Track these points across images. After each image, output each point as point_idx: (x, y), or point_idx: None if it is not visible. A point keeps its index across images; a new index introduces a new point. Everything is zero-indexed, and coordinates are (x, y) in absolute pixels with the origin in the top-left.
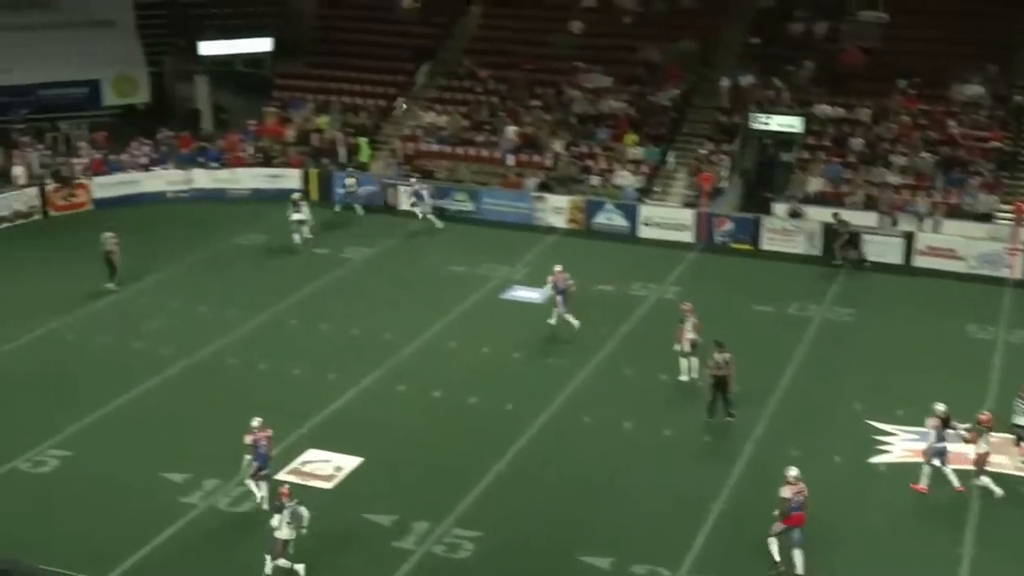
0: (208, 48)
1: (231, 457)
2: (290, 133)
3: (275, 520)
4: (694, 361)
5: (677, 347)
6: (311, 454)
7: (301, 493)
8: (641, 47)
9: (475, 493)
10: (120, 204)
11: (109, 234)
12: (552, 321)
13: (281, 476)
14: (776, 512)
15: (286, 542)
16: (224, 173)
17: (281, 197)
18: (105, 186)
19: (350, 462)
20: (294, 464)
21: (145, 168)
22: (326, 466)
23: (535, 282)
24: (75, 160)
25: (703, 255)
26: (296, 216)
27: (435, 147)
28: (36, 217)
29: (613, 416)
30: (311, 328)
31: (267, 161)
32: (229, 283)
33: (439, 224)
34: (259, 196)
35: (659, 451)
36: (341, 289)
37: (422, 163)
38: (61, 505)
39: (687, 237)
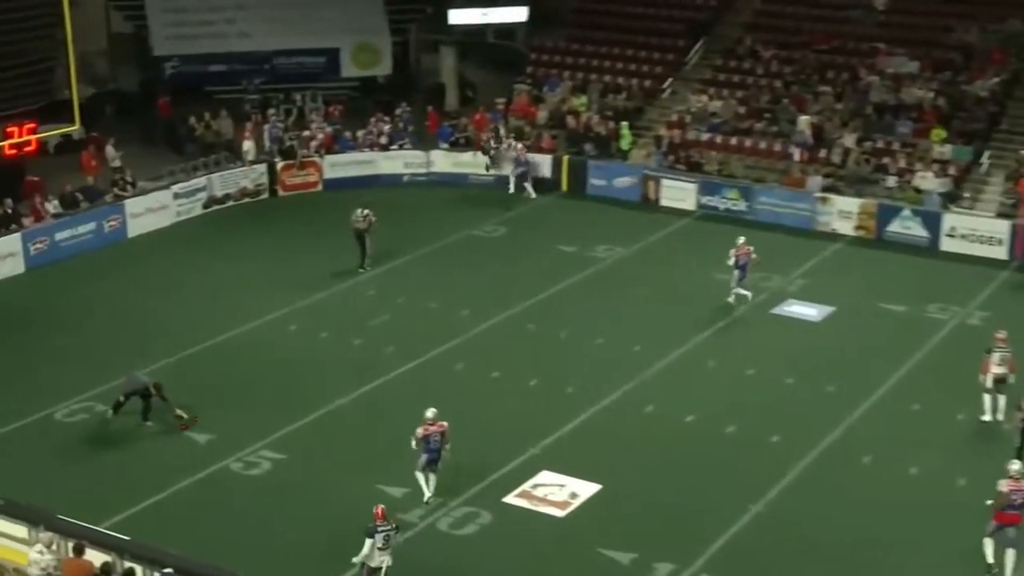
0: (458, 16)
1: (461, 475)
2: (542, 114)
3: (366, 547)
4: (1001, 400)
5: (981, 378)
6: (544, 476)
7: (531, 519)
8: (957, 27)
9: (727, 536)
10: (352, 185)
11: (363, 210)
12: (731, 299)
13: (510, 499)
14: (988, 503)
15: (376, 570)
16: (466, 156)
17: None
18: (337, 165)
19: (587, 488)
20: (524, 486)
21: (383, 147)
22: (560, 491)
23: (814, 296)
24: (307, 134)
25: (1019, 275)
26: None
27: (705, 136)
28: (263, 196)
29: (897, 458)
30: (550, 334)
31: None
32: (463, 279)
33: (533, 194)
34: (503, 184)
35: (950, 505)
36: (587, 292)
37: (689, 153)
38: (269, 511)
39: (1000, 253)
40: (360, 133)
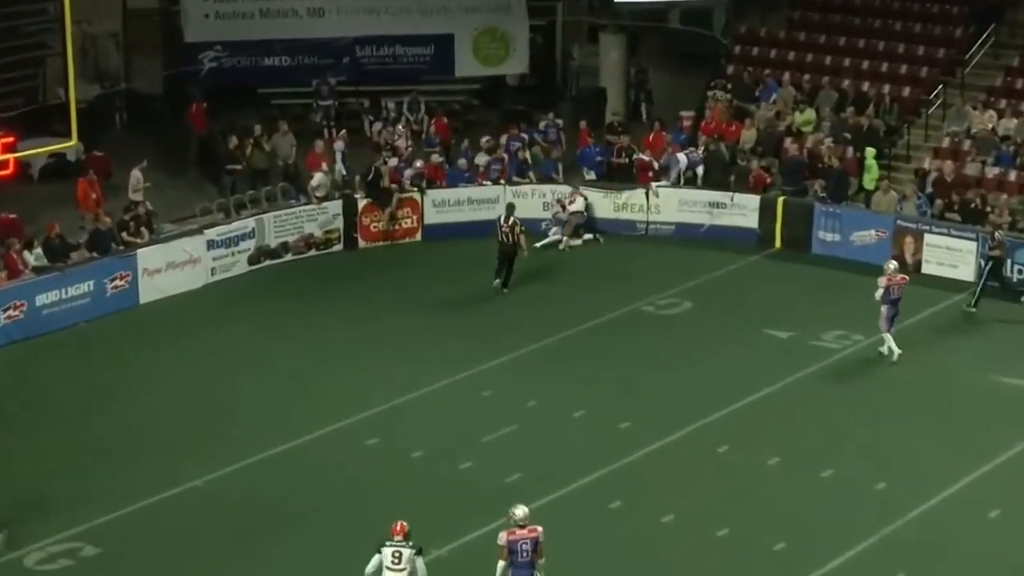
0: None
1: None
2: (748, 134)
3: (372, 563)
4: None
5: None
6: None
7: None
8: None
9: None
10: (465, 234)
11: (509, 218)
12: (883, 350)
13: None
14: None
15: None
16: (635, 196)
17: (728, 239)
18: (446, 207)
19: None
20: None
21: (507, 180)
22: None
23: None
24: (394, 160)
25: None
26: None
27: (992, 171)
28: (336, 248)
29: None
30: (753, 462)
31: (707, 174)
32: (624, 377)
33: (578, 241)
34: (687, 235)
35: None
36: (809, 401)
37: (966, 196)
38: None
39: None
40: (483, 160)
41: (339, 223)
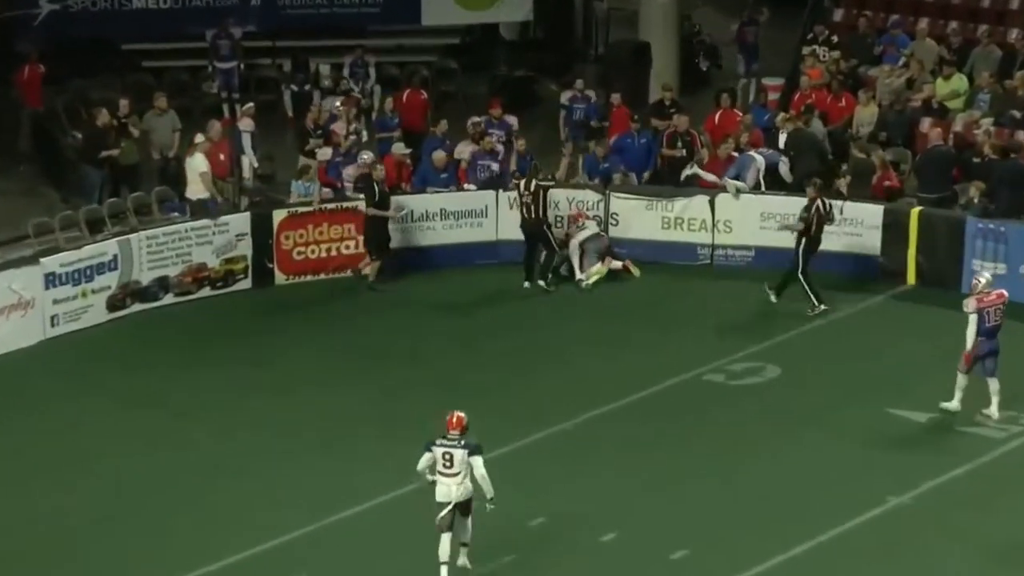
0: None
1: None
2: (864, 112)
3: (421, 461)
4: None
5: None
6: None
7: None
8: None
9: None
10: (435, 263)
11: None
12: (950, 406)
13: None
14: None
15: (443, 505)
16: (695, 206)
17: (835, 271)
18: (406, 221)
19: None
20: None
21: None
22: None
23: None
24: (326, 151)
25: None
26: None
27: None
28: (241, 284)
29: None
30: None
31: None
32: (677, 478)
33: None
34: (772, 264)
35: None
36: (968, 520)
37: None
38: None
39: None
40: (467, 152)
41: (246, 248)
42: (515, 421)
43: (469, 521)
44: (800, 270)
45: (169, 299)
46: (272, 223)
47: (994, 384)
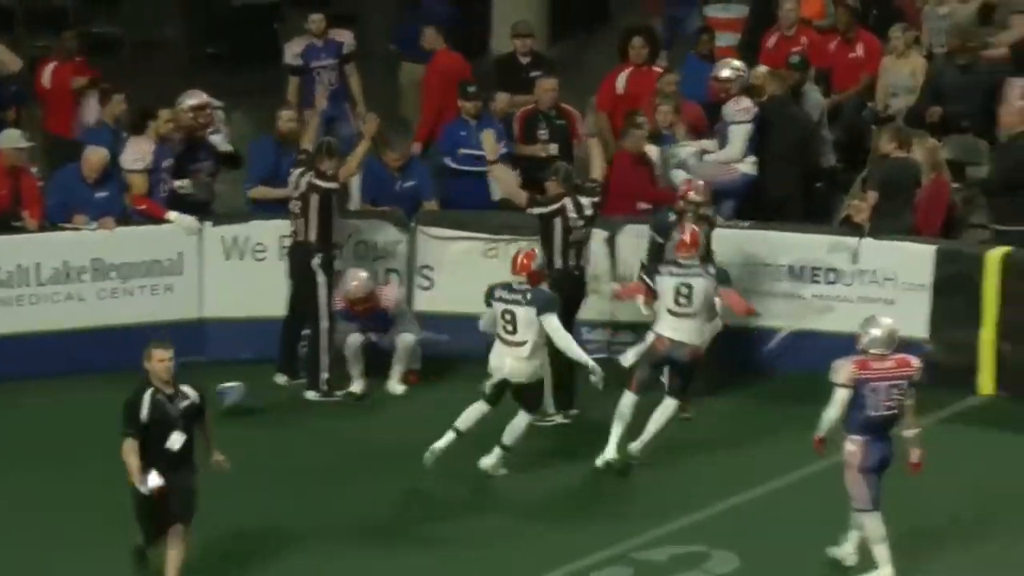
0: None
1: None
2: (906, 67)
3: (485, 317)
4: None
5: None
6: None
7: None
8: None
9: None
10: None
11: None
12: (836, 552)
13: None
14: None
15: (499, 384)
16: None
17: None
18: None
19: None
20: None
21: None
22: None
23: None
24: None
25: None
26: None
27: None
28: None
29: None
30: None
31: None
32: None
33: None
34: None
35: None
36: None
37: None
38: None
39: None
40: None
41: None
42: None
43: (521, 420)
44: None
45: None
46: None
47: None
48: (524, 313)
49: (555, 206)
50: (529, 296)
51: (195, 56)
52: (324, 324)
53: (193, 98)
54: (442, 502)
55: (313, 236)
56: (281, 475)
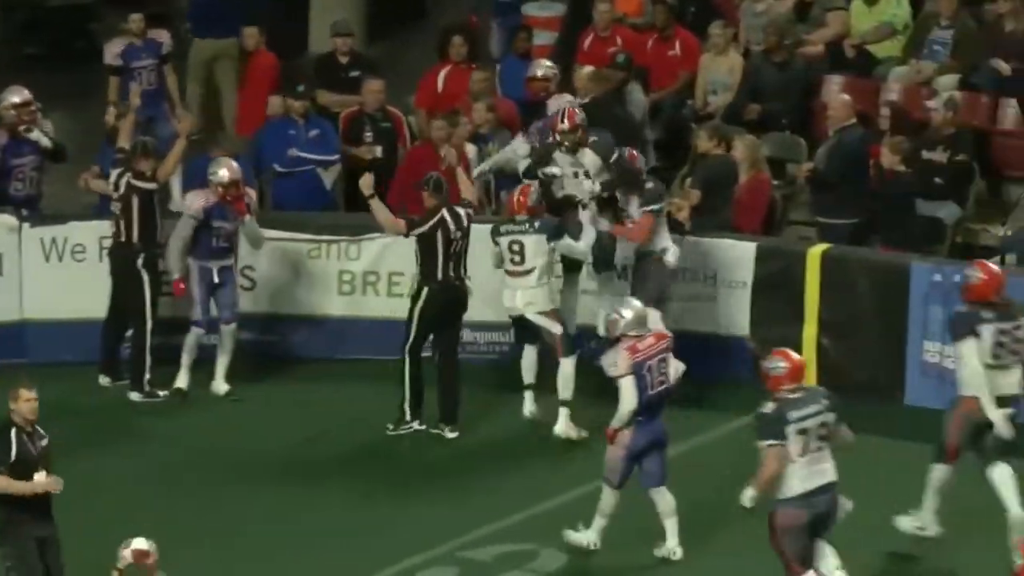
0: None
1: None
2: (723, 65)
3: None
4: None
5: None
6: None
7: None
8: None
9: None
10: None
11: None
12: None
13: None
14: None
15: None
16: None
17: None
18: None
19: None
20: None
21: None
22: None
23: None
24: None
25: None
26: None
27: None
28: None
29: None
30: None
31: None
32: None
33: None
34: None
35: None
36: None
37: None
38: None
39: None
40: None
41: None
42: None
43: (565, 366)
44: (408, 363)
45: None
46: None
47: (668, 507)
48: (532, 240)
49: (434, 220)
50: (537, 224)
51: (14, 56)
52: (148, 324)
53: (16, 95)
54: (274, 502)
55: (136, 236)
56: (106, 482)
